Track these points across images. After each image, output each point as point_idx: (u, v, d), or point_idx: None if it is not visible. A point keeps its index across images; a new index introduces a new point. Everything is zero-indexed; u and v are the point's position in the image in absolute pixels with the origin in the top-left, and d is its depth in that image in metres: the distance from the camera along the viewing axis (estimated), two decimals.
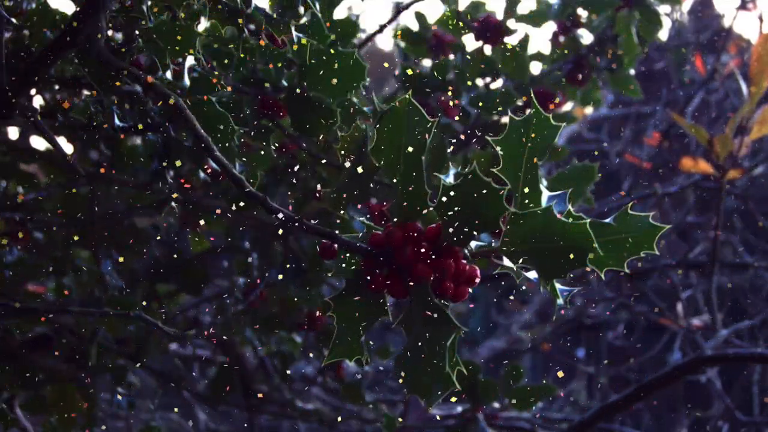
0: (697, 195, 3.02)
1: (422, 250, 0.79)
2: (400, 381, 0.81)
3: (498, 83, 1.89)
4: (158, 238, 1.82)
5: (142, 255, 1.75)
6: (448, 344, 0.78)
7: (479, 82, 1.89)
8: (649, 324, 3.23)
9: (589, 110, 3.33)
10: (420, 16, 1.94)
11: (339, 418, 2.07)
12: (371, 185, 0.84)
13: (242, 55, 1.15)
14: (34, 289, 1.69)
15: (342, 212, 0.86)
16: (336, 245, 0.82)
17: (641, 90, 1.88)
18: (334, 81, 1.13)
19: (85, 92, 1.21)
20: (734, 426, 2.57)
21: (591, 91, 1.89)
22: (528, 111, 0.77)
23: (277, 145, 1.40)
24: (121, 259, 1.65)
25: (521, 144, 0.77)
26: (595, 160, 1.44)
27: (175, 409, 2.50)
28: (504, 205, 0.74)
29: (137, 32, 1.06)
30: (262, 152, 1.30)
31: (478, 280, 0.80)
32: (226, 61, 1.16)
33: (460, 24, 1.89)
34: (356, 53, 1.12)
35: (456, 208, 0.76)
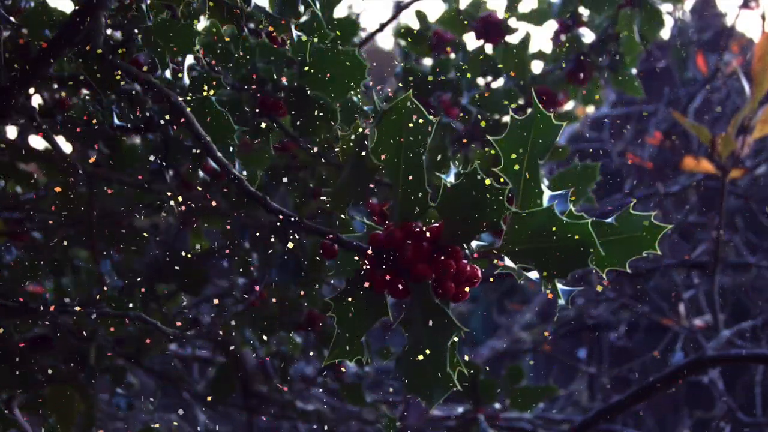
0: (699, 195, 3.01)
1: (423, 250, 0.78)
2: (401, 382, 0.81)
3: (499, 82, 1.88)
4: (158, 238, 1.81)
5: (141, 255, 1.75)
6: (448, 344, 0.77)
7: (480, 81, 1.88)
8: (650, 324, 3.22)
9: (590, 109, 3.32)
10: (421, 15, 1.93)
11: (339, 419, 2.06)
12: (371, 185, 0.83)
13: (242, 54, 1.15)
14: (33, 289, 1.68)
15: (342, 212, 0.85)
16: (336, 245, 0.82)
17: (643, 89, 1.87)
18: (335, 80, 1.12)
19: (84, 91, 1.20)
20: (737, 427, 2.56)
21: (593, 91, 1.89)
22: (529, 110, 0.77)
23: (277, 145, 1.39)
24: (124, 257, 1.65)
25: (522, 143, 0.77)
26: (596, 160, 1.43)
27: (176, 410, 2.49)
28: (505, 204, 0.74)
29: (136, 31, 1.06)
30: (262, 152, 1.29)
31: (479, 280, 0.79)
32: (226, 61, 1.16)
33: (461, 22, 1.89)
34: (357, 52, 1.11)
35: (457, 208, 0.76)
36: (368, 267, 0.80)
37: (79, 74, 1.11)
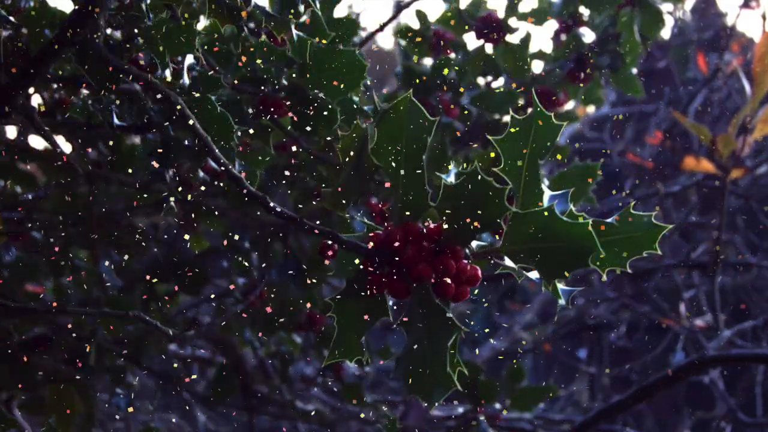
0: (700, 194, 3.01)
1: (423, 250, 0.78)
2: (401, 382, 0.81)
3: (499, 82, 1.88)
4: (158, 238, 1.81)
5: (141, 255, 1.75)
6: (449, 344, 0.77)
7: (480, 80, 1.88)
8: (651, 324, 3.22)
9: (591, 109, 3.32)
10: (421, 15, 1.93)
11: (339, 420, 2.06)
12: (371, 185, 0.83)
13: (242, 54, 1.14)
14: (33, 289, 1.68)
15: (342, 212, 0.85)
16: (336, 245, 0.82)
17: (643, 89, 1.87)
18: (335, 80, 1.12)
19: (84, 91, 1.20)
20: (737, 427, 2.56)
21: (593, 90, 1.89)
22: (529, 110, 0.77)
23: (277, 144, 1.39)
24: (124, 257, 1.65)
25: (522, 143, 0.77)
26: (597, 160, 1.43)
27: (176, 410, 2.49)
28: (505, 204, 0.74)
29: (136, 31, 1.05)
30: (262, 152, 1.29)
31: (479, 280, 0.79)
32: (225, 60, 1.16)
33: (461, 22, 1.89)
34: (356, 52, 1.11)
35: (457, 208, 0.75)
36: (368, 267, 0.80)
37: (79, 74, 1.11)
